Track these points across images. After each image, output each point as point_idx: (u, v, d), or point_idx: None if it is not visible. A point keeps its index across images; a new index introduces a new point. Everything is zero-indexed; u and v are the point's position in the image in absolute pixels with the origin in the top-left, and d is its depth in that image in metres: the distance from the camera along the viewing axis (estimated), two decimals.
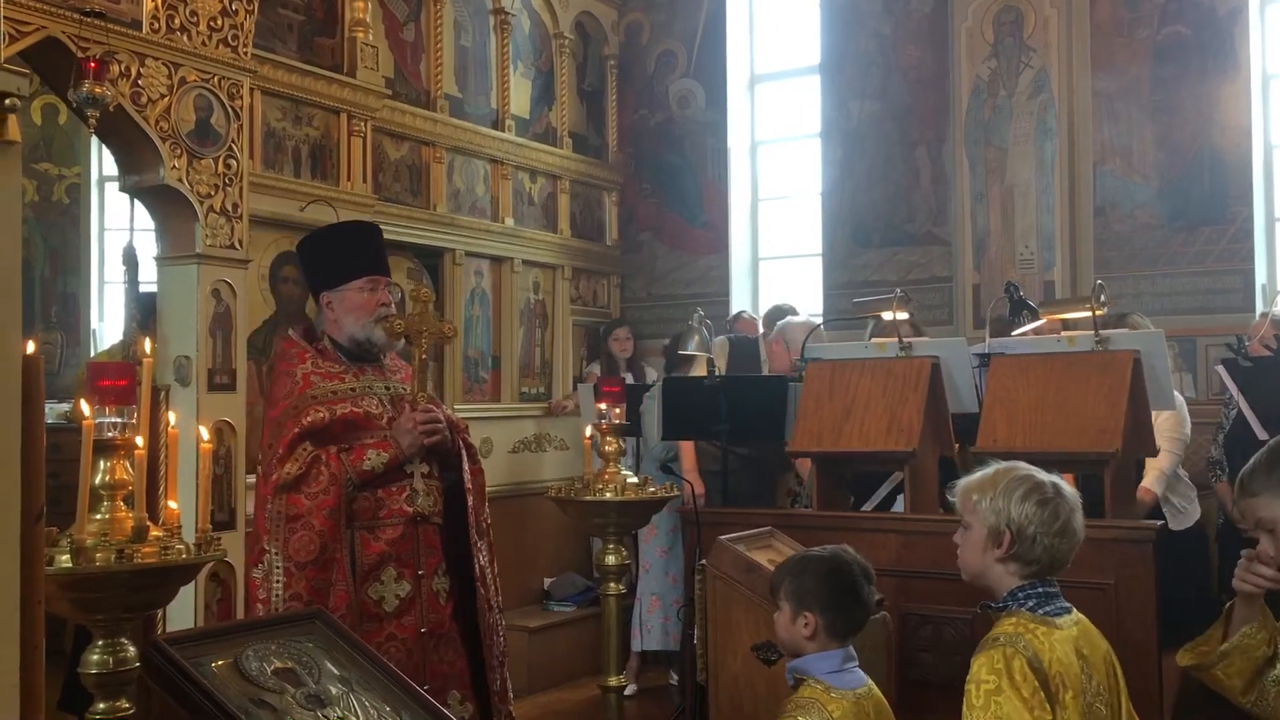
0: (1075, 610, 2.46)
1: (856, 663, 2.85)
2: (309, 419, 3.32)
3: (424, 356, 3.49)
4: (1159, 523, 4.08)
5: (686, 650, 4.41)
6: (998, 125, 6.76)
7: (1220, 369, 4.42)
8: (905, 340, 4.47)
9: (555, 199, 7.54)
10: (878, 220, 7.17)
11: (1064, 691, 2.26)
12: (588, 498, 3.52)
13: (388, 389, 3.54)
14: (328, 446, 3.31)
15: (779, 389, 5.20)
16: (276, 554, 3.19)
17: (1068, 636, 2.36)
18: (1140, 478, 4.81)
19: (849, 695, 2.75)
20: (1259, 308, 6.11)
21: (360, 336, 3.49)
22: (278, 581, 3.18)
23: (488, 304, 6.99)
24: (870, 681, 2.85)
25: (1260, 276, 6.24)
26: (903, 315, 4.85)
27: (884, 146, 7.16)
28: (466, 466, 3.58)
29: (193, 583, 3.17)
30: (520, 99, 7.26)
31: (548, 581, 7.11)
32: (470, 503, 3.55)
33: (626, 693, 5.36)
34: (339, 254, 3.58)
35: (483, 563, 3.56)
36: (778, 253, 7.97)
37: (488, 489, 6.60)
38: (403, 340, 3.53)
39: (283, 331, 4.77)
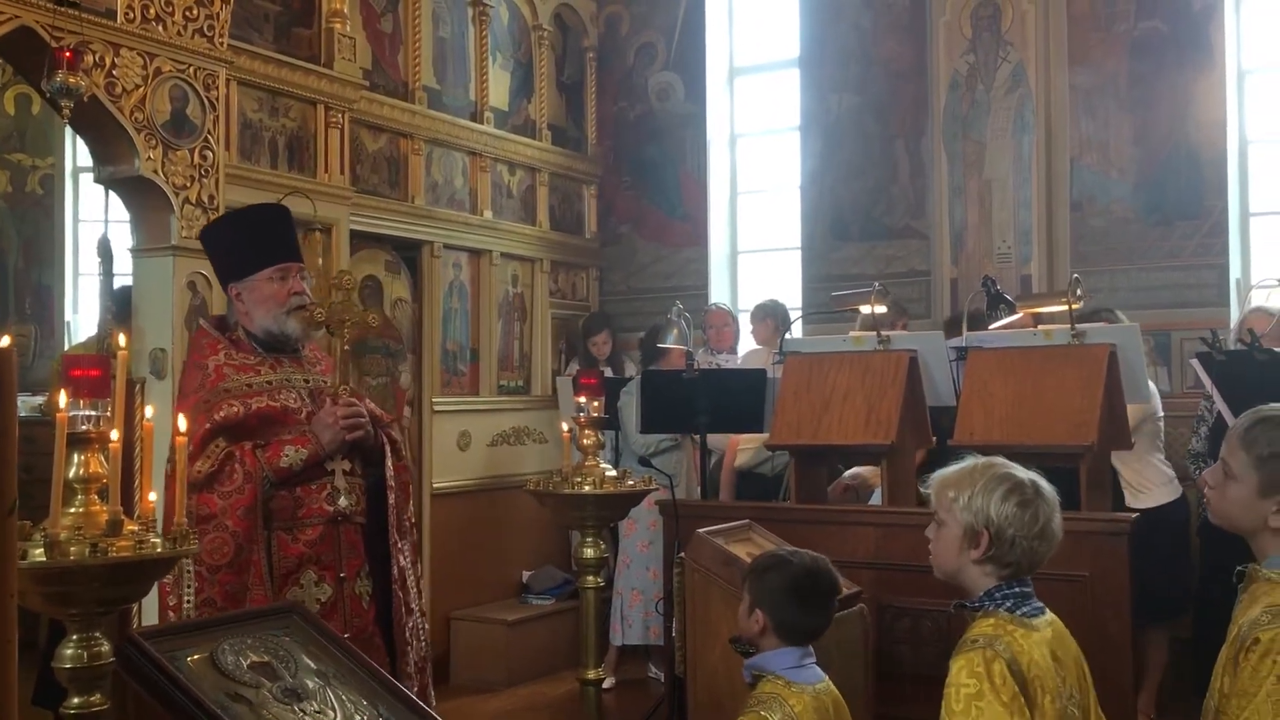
0: (1048, 610, 2.43)
1: (814, 659, 2.86)
2: (222, 414, 3.14)
3: (346, 346, 3.33)
4: (1134, 514, 4.11)
5: (667, 643, 4.41)
6: (975, 119, 6.78)
7: (1195, 363, 4.44)
8: (883, 334, 4.49)
9: (534, 191, 7.52)
10: (856, 214, 7.18)
11: (1042, 695, 2.22)
12: (566, 491, 3.51)
13: (307, 381, 3.35)
14: (242, 443, 3.14)
15: (757, 382, 5.22)
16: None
17: (1043, 639, 2.32)
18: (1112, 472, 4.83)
19: (808, 690, 2.76)
20: (1233, 302, 6.16)
21: (273, 329, 3.30)
22: (189, 586, 3.01)
23: (466, 297, 6.97)
24: (827, 678, 2.86)
25: (1235, 271, 6.29)
26: (881, 309, 4.87)
27: (862, 140, 7.17)
28: (390, 463, 3.41)
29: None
30: (499, 91, 7.23)
31: (526, 575, 7.10)
32: (392, 501, 3.37)
33: (605, 686, 5.36)
34: (245, 241, 3.38)
35: (403, 564, 3.40)
36: (757, 246, 7.97)
37: (467, 483, 6.70)
38: (323, 330, 3.35)
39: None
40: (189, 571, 3.02)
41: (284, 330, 3.31)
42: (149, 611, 4.33)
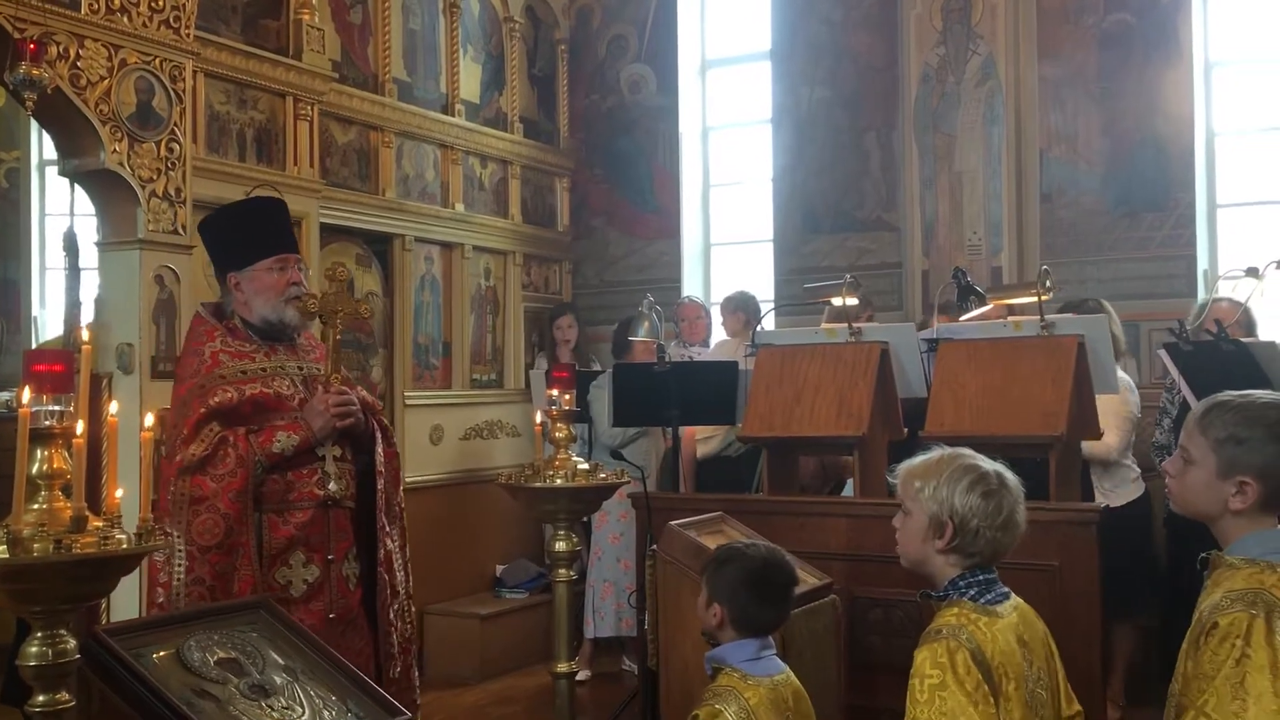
0: (1013, 595, 2.45)
1: (774, 650, 2.86)
2: (216, 399, 3.24)
3: (338, 337, 3.42)
4: (1103, 504, 4.14)
5: (640, 636, 4.41)
6: (946, 112, 6.80)
7: (1162, 353, 4.47)
8: (855, 326, 4.50)
9: (506, 184, 7.49)
10: (828, 206, 7.20)
11: (1007, 683, 2.26)
12: (538, 484, 3.51)
13: (300, 369, 3.45)
14: (235, 428, 3.24)
15: (729, 374, 5.23)
16: (179, 537, 3.11)
17: (1009, 625, 2.35)
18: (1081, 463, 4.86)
19: (765, 682, 2.76)
20: (1201, 293, 6.20)
21: (272, 317, 3.41)
22: (179, 565, 3.10)
23: (438, 290, 6.94)
24: (788, 669, 2.86)
25: (1202, 262, 6.34)
26: (852, 301, 4.88)
27: (834, 133, 7.19)
28: (380, 449, 3.52)
29: (136, 572, 3.12)
30: (470, 83, 7.20)
31: (499, 568, 7.09)
32: (381, 486, 3.49)
33: (579, 679, 5.36)
34: (244, 233, 3.48)
35: (390, 547, 3.50)
36: (729, 238, 7.98)
37: (440, 477, 6.68)
38: (316, 320, 3.45)
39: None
40: (180, 550, 3.10)
41: (282, 318, 3.42)
42: (138, 590, 4.32)
